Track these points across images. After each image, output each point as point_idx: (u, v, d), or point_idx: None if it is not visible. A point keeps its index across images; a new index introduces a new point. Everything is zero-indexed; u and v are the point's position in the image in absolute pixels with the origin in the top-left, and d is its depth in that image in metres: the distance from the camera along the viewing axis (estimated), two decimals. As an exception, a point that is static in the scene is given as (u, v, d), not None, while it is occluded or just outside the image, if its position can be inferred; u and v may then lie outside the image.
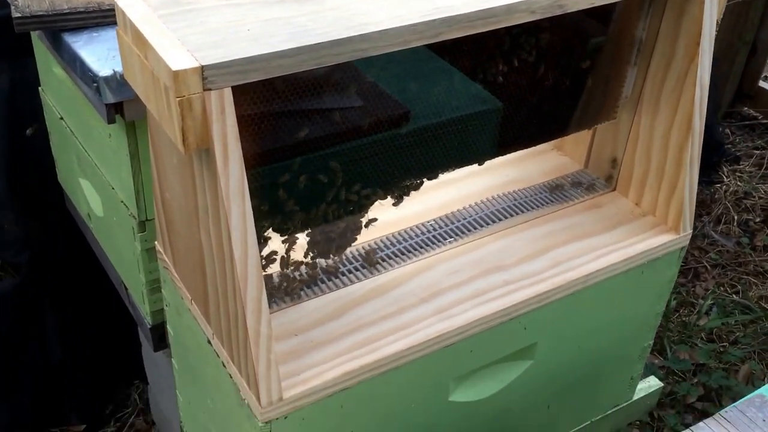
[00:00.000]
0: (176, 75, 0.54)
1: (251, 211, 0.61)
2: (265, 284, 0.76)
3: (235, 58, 0.56)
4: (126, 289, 1.20)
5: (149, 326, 1.13)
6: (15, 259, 1.46)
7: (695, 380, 1.71)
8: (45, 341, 1.49)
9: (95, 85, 0.90)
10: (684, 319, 1.87)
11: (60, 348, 1.50)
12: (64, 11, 0.96)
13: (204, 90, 0.55)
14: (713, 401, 1.68)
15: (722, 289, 1.98)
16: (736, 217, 2.17)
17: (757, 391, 0.79)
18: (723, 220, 2.17)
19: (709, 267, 2.04)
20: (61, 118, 1.21)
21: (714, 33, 0.82)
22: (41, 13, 0.96)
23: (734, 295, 1.95)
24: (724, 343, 1.82)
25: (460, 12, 0.65)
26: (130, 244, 1.07)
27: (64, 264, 1.48)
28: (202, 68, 0.55)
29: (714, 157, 2.30)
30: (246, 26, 0.60)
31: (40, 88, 1.29)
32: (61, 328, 1.50)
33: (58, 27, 0.97)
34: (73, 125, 1.17)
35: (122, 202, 1.05)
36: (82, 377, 1.55)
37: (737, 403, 0.78)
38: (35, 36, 1.18)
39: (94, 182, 1.17)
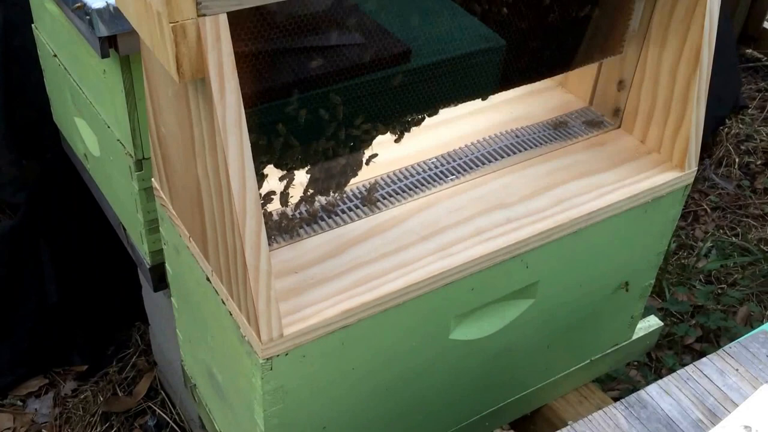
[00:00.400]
0: (169, -1, 0.52)
1: (249, 143, 0.60)
2: (264, 221, 0.75)
3: (230, -20, 0.53)
4: (124, 229, 1.19)
5: (148, 266, 1.13)
6: (12, 199, 1.45)
7: (693, 321, 1.72)
8: (44, 282, 1.49)
9: (88, 18, 0.87)
10: (683, 261, 1.88)
11: (59, 289, 1.51)
12: (53, -59, 0.93)
13: (198, 15, 0.53)
14: (711, 342, 1.70)
15: (722, 231, 1.98)
16: (737, 160, 2.16)
17: (761, 327, 0.79)
18: (724, 163, 2.15)
19: (708, 210, 2.03)
20: (55, 56, 1.19)
21: (726, -39, 0.79)
22: (29, -57, 0.92)
23: (733, 238, 1.95)
24: (723, 285, 1.82)
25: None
26: (128, 184, 1.06)
27: (62, 204, 1.47)
28: (196, -8, 0.52)
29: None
30: (241, -52, 0.57)
31: (33, 25, 1.26)
32: (60, 269, 1.50)
33: (48, -42, 0.94)
34: (67, 62, 1.14)
35: (118, 140, 1.03)
36: (82, 318, 1.56)
37: (741, 338, 0.78)
38: (24, -31, 1.15)
39: (90, 121, 1.15)
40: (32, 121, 1.39)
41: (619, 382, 1.59)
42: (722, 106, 2.22)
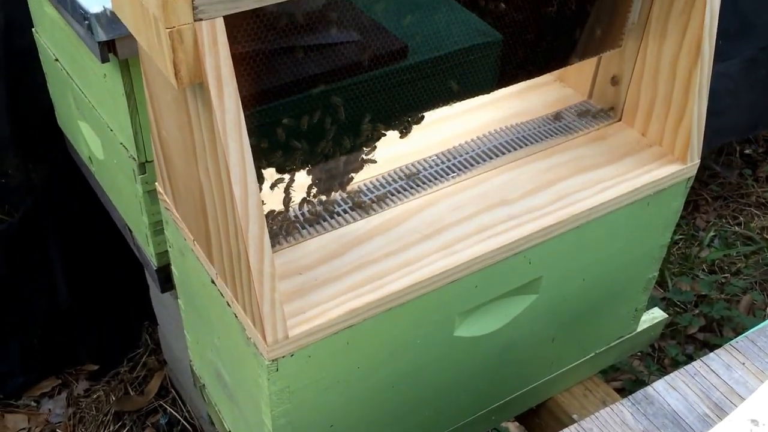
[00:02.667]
0: (165, 4, 0.52)
1: (249, 147, 0.60)
2: (267, 223, 0.75)
3: (228, -14, 0.53)
4: (130, 231, 1.19)
5: (155, 268, 1.13)
6: (20, 204, 1.45)
7: (697, 311, 1.73)
8: (54, 283, 1.50)
9: (86, 22, 0.87)
10: (685, 251, 1.88)
11: (69, 290, 1.51)
12: (51, -54, 0.93)
13: (195, 20, 0.53)
14: (714, 332, 1.70)
15: (724, 220, 1.98)
16: (738, 149, 2.15)
17: None
18: (725, 152, 2.15)
19: (710, 199, 2.03)
20: (57, 60, 1.19)
21: (725, -47, 0.79)
22: (27, -52, 0.92)
23: (736, 227, 1.95)
24: (726, 275, 1.82)
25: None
26: (132, 187, 1.06)
27: (68, 207, 1.47)
28: (192, -4, 0.52)
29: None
30: (238, -48, 0.57)
31: (33, 29, 1.26)
32: (70, 271, 1.51)
33: (45, -37, 0.94)
34: (69, 67, 1.15)
35: (121, 143, 1.04)
36: (92, 319, 1.57)
37: (748, 332, 0.78)
38: (23, -26, 1.15)
39: (93, 124, 1.15)
40: (37, 123, 1.39)
41: (622, 373, 1.59)
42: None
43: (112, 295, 1.58)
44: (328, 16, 0.69)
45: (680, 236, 1.91)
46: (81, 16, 0.88)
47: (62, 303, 1.51)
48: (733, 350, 0.76)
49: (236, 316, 0.73)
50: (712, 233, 1.92)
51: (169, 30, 0.53)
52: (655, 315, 1.14)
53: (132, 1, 0.57)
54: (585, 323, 1.01)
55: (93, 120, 1.13)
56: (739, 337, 0.77)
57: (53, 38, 1.16)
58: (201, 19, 0.54)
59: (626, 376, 1.59)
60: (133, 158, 1.01)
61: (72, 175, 1.41)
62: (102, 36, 0.87)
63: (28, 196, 1.43)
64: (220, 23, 0.55)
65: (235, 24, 0.60)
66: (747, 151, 2.17)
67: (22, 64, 1.33)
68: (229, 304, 0.74)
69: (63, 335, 1.55)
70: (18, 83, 1.34)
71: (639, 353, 1.64)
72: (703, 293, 1.75)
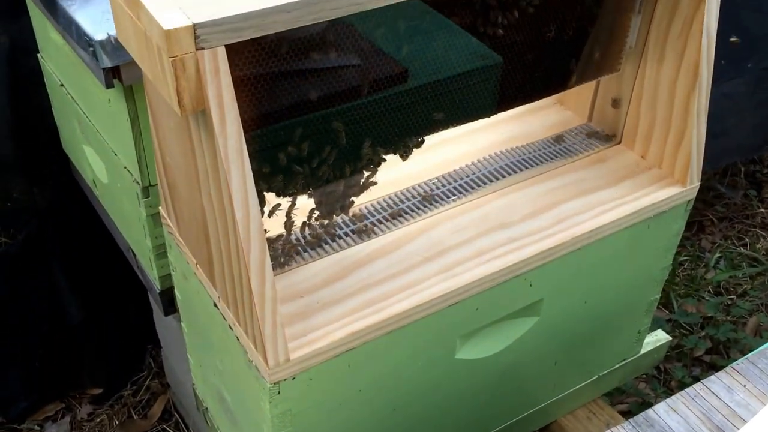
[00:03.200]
0: (168, 34, 0.53)
1: (251, 173, 0.61)
2: (269, 247, 0.76)
3: (228, 15, 0.55)
4: (134, 254, 1.20)
5: (158, 291, 1.14)
6: (24, 228, 1.46)
7: (703, 333, 1.72)
8: (57, 306, 1.50)
9: (91, 49, 0.89)
10: (691, 272, 1.87)
11: (73, 313, 1.52)
12: (57, -26, 0.95)
13: (197, 49, 0.54)
14: (721, 354, 1.69)
15: (729, 241, 1.97)
16: (743, 169, 2.15)
17: None
18: (729, 173, 2.14)
19: (715, 220, 2.03)
20: (62, 85, 1.20)
21: (720, -21, 0.80)
22: (34, -24, 0.94)
23: (741, 248, 1.94)
24: (732, 296, 1.82)
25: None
26: (136, 210, 1.07)
27: (73, 231, 1.48)
28: (195, 26, 0.54)
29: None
30: (240, -18, 0.58)
31: (38, 54, 1.27)
32: (73, 294, 1.51)
33: (52, -10, 0.96)
34: (74, 91, 1.16)
35: (125, 168, 1.05)
36: (96, 342, 1.57)
37: (749, 354, 0.78)
38: (30, 1, 1.17)
39: (97, 149, 1.16)
40: (42, 146, 1.40)
41: (628, 396, 1.58)
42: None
43: (116, 318, 1.58)
44: (329, 40, 0.70)
45: (686, 257, 1.90)
46: (86, 42, 0.90)
47: (66, 326, 1.51)
48: (734, 372, 0.76)
49: (238, 339, 0.74)
50: (717, 254, 1.91)
51: (172, 59, 0.54)
52: (659, 337, 1.14)
53: (136, 30, 0.59)
54: (587, 346, 1.01)
55: (97, 144, 1.14)
56: (741, 359, 0.77)
57: (58, 63, 1.18)
58: (203, 48, 0.55)
59: (632, 399, 1.58)
60: (137, 182, 1.02)
61: (76, 199, 1.42)
62: (107, 62, 0.89)
63: (32, 219, 1.44)
64: (221, 52, 0.56)
65: (236, 50, 0.61)
66: (752, 171, 2.16)
67: (27, 87, 1.35)
68: (231, 327, 0.75)
69: (66, 359, 1.55)
70: (23, 106, 1.36)
71: (645, 376, 1.63)
72: (709, 315, 1.74)
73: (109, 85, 0.92)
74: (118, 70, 0.90)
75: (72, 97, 1.17)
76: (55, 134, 1.37)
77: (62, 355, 1.54)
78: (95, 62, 0.90)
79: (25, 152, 1.39)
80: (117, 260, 1.40)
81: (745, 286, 1.84)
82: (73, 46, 1.00)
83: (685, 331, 1.73)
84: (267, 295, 0.66)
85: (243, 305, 0.69)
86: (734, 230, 2.01)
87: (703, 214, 2.04)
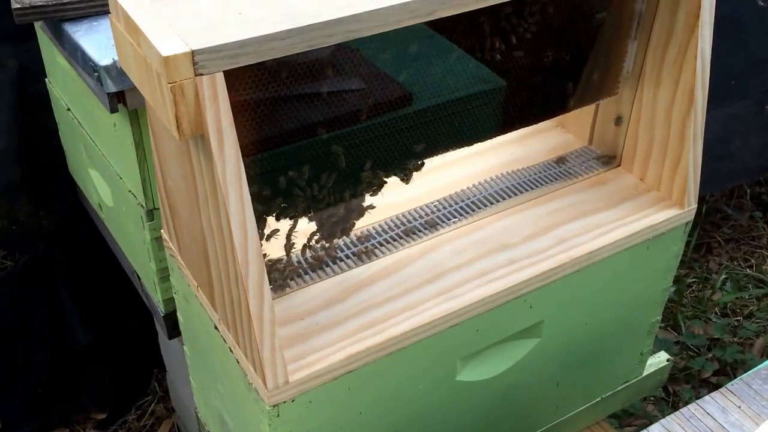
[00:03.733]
0: (167, 61, 0.54)
1: (249, 196, 0.62)
2: (270, 269, 0.76)
3: (226, 42, 0.56)
4: (139, 278, 1.21)
5: (162, 314, 1.14)
6: (31, 250, 1.47)
7: (710, 355, 1.71)
8: (62, 330, 1.51)
9: (96, 74, 0.90)
10: (698, 294, 1.87)
11: (78, 337, 1.52)
12: (64, 1, 0.97)
13: (195, 75, 0.56)
14: (728, 375, 1.68)
15: (735, 263, 1.97)
16: (748, 191, 2.15)
17: (764, 363, 0.79)
18: (735, 194, 2.14)
19: (722, 241, 2.03)
20: (68, 109, 1.22)
21: (714, 4, 0.81)
22: (41, 3, 0.96)
23: (748, 269, 1.94)
24: (739, 318, 1.81)
25: (454, -10, 0.65)
26: (140, 233, 1.08)
27: (79, 254, 1.49)
28: (193, 53, 0.55)
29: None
30: (237, 9, 0.60)
31: (46, 79, 1.30)
32: (78, 318, 1.51)
33: (59, 17, 0.98)
34: (80, 116, 1.18)
35: (130, 191, 1.06)
36: (101, 366, 1.57)
37: (744, 375, 0.77)
38: (38, 27, 1.19)
39: (103, 172, 1.18)
40: (49, 170, 1.42)
41: (636, 418, 1.57)
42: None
43: (122, 342, 1.59)
44: (331, 64, 0.71)
45: (693, 279, 1.90)
46: (91, 68, 0.91)
47: (71, 350, 1.51)
48: (728, 393, 0.76)
49: (238, 362, 0.74)
50: (724, 276, 1.91)
51: (171, 85, 0.55)
52: (662, 358, 1.14)
53: (136, 57, 0.60)
54: (589, 367, 1.01)
55: (103, 168, 1.16)
56: (735, 380, 0.77)
57: (65, 88, 1.20)
58: (201, 74, 0.56)
59: (640, 421, 1.57)
60: (141, 205, 1.03)
61: (82, 222, 1.43)
62: (111, 87, 0.90)
63: (38, 242, 1.45)
64: (220, 78, 0.57)
65: (236, 74, 0.63)
66: (757, 193, 2.16)
67: (34, 110, 1.36)
68: (231, 350, 0.75)
69: (70, 383, 1.55)
70: (30, 129, 1.37)
71: (653, 398, 1.62)
72: (716, 337, 1.74)
73: (113, 110, 0.93)
74: (122, 94, 0.92)
75: (78, 122, 1.19)
76: (62, 158, 1.38)
77: (67, 380, 1.54)
78: (100, 87, 0.92)
79: (31, 175, 1.41)
80: (122, 284, 1.41)
81: (752, 308, 1.83)
82: (79, 72, 1.02)
83: (692, 353, 1.72)
84: (266, 317, 0.66)
85: (242, 328, 0.69)
86: (741, 252, 2.00)
87: (711, 236, 2.04)
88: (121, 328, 1.57)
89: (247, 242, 0.63)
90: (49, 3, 0.96)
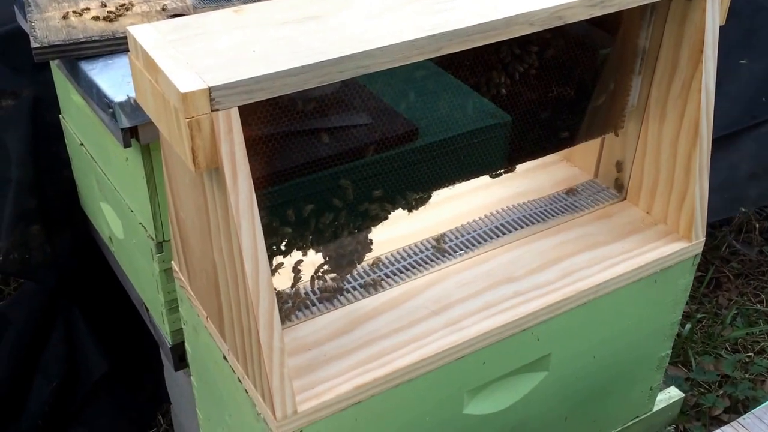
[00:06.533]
0: (185, 97, 0.56)
1: (261, 227, 0.63)
2: (278, 300, 0.77)
3: (241, 78, 0.58)
4: (147, 309, 1.22)
5: (169, 346, 1.15)
6: (43, 282, 1.48)
7: (721, 392, 1.69)
8: (67, 363, 1.51)
9: (111, 110, 0.92)
10: (708, 329, 1.86)
11: (86, 370, 1.52)
12: (80, 40, 0.99)
13: (212, 110, 0.57)
14: (740, 413, 1.66)
15: (745, 298, 1.96)
16: (757, 226, 2.15)
17: (774, 397, 0.79)
18: (744, 229, 2.14)
19: (731, 276, 2.02)
20: (81, 144, 1.24)
21: (717, 39, 0.82)
22: (59, 42, 0.99)
23: (758, 305, 1.93)
24: (750, 354, 1.79)
25: (460, 26, 0.66)
26: (149, 265, 1.09)
27: (89, 286, 1.50)
28: (210, 89, 0.57)
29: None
30: (252, 47, 0.61)
31: (60, 115, 1.32)
32: (88, 351, 1.52)
33: (75, 55, 1.00)
34: (93, 150, 1.20)
35: (140, 224, 1.07)
36: (106, 399, 1.57)
37: (755, 409, 0.77)
38: (54, 65, 1.22)
39: (114, 206, 1.19)
40: (61, 200, 1.43)
41: (646, 455, 1.55)
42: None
43: (127, 375, 1.58)
44: (340, 98, 0.73)
45: (703, 314, 1.89)
46: (106, 104, 0.93)
47: (77, 382, 1.51)
48: (740, 427, 0.75)
49: (247, 392, 0.75)
50: (734, 311, 1.89)
51: (188, 120, 0.57)
52: (672, 394, 1.13)
53: (154, 92, 0.62)
54: (598, 402, 1.01)
55: (114, 201, 1.17)
56: (747, 414, 0.77)
57: (79, 123, 1.22)
58: (218, 110, 0.58)
59: (650, 458, 1.55)
60: (151, 238, 1.05)
61: (93, 254, 1.44)
62: (125, 123, 0.92)
63: (50, 272, 1.45)
64: (235, 113, 0.59)
65: (249, 111, 0.64)
66: (766, 228, 2.16)
67: (48, 141, 1.38)
68: (240, 380, 0.76)
69: (73, 415, 1.54)
70: (44, 160, 1.39)
71: (663, 435, 1.60)
72: (727, 373, 1.72)
73: (127, 145, 0.95)
74: (135, 130, 0.93)
75: (91, 156, 1.21)
76: (75, 188, 1.40)
77: (70, 412, 1.54)
78: (114, 123, 0.94)
79: (44, 204, 1.42)
80: (129, 318, 1.41)
81: (763, 343, 1.81)
82: (94, 108, 1.04)
83: (703, 390, 1.70)
84: (275, 347, 0.67)
85: (252, 358, 0.70)
86: (750, 287, 1.99)
87: (720, 271, 2.03)
88: (127, 361, 1.57)
89: (258, 273, 0.64)
90: (67, 42, 0.99)
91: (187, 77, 0.58)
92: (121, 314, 1.49)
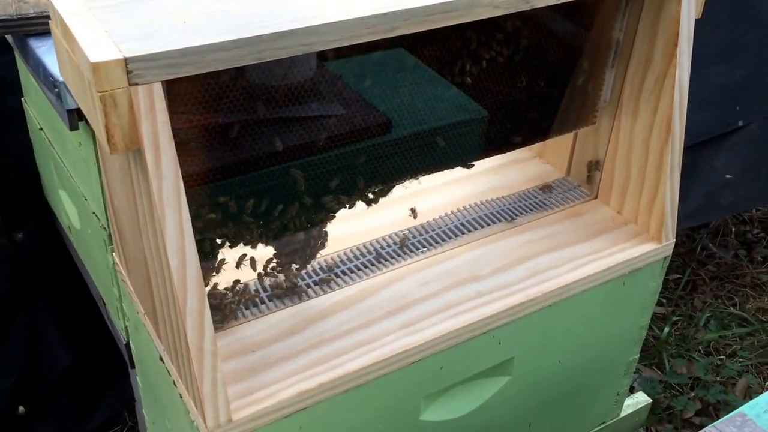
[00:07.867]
0: (96, 67, 0.50)
1: (189, 217, 0.57)
2: (221, 297, 0.72)
3: (165, 50, 0.52)
4: (104, 303, 1.17)
5: (125, 342, 1.10)
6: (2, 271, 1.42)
7: (692, 394, 1.67)
8: (37, 355, 1.45)
9: (56, 90, 0.87)
10: (683, 332, 1.83)
11: (50, 363, 1.47)
12: (30, 15, 0.94)
13: (130, 84, 0.52)
14: (711, 416, 1.64)
15: (720, 301, 1.94)
16: (734, 230, 2.14)
17: (738, 409, 0.75)
18: (721, 233, 2.13)
19: (707, 279, 2.00)
20: (41, 128, 1.19)
21: (692, 33, 0.78)
22: (6, 17, 0.93)
23: (731, 308, 1.91)
24: (722, 356, 1.78)
25: (417, 5, 0.61)
26: (104, 257, 1.04)
27: (54, 278, 1.44)
28: (126, 60, 0.51)
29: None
30: (184, 18, 0.56)
31: (22, 98, 1.26)
32: (50, 344, 1.46)
33: (24, 31, 0.95)
34: (51, 135, 1.14)
35: (94, 213, 1.02)
36: (71, 395, 1.52)
37: (717, 422, 0.74)
38: (12, 44, 1.16)
39: (71, 193, 1.14)
40: (24, 188, 1.37)
41: (616, 460, 1.52)
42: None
43: (94, 370, 1.53)
44: (312, 88, 0.68)
45: (678, 317, 1.87)
46: (51, 83, 0.88)
47: (40, 377, 1.46)
48: (713, 433, 0.71)
49: (181, 397, 0.70)
50: (708, 314, 1.88)
51: (101, 93, 0.51)
52: (639, 399, 1.10)
53: (71, 65, 0.56)
54: (563, 407, 0.97)
55: (71, 189, 1.12)
56: (709, 426, 0.73)
57: (38, 106, 1.16)
58: (137, 84, 0.52)
59: (620, 463, 1.52)
60: (104, 228, 0.99)
61: (56, 246, 1.38)
62: (71, 104, 0.87)
63: (5, 263, 1.40)
64: (158, 88, 0.53)
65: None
66: (742, 232, 2.15)
67: (10, 127, 1.32)
68: (174, 384, 0.71)
69: (39, 412, 1.49)
70: (6, 144, 1.33)
71: (636, 438, 1.57)
72: (699, 376, 1.70)
73: (73, 127, 0.89)
74: (82, 111, 0.88)
75: (49, 141, 1.16)
76: (37, 177, 1.34)
77: (36, 409, 1.48)
78: (60, 103, 0.88)
79: (5, 193, 1.36)
80: (92, 311, 1.36)
81: (735, 347, 1.80)
82: (42, 88, 0.98)
83: (676, 392, 1.68)
84: (206, 349, 0.62)
85: (183, 360, 0.65)
86: (725, 290, 1.98)
87: (697, 274, 2.02)
88: (94, 356, 1.52)
89: (185, 266, 0.58)
90: (14, 17, 0.94)
91: (101, 46, 0.52)
92: (88, 308, 1.44)
